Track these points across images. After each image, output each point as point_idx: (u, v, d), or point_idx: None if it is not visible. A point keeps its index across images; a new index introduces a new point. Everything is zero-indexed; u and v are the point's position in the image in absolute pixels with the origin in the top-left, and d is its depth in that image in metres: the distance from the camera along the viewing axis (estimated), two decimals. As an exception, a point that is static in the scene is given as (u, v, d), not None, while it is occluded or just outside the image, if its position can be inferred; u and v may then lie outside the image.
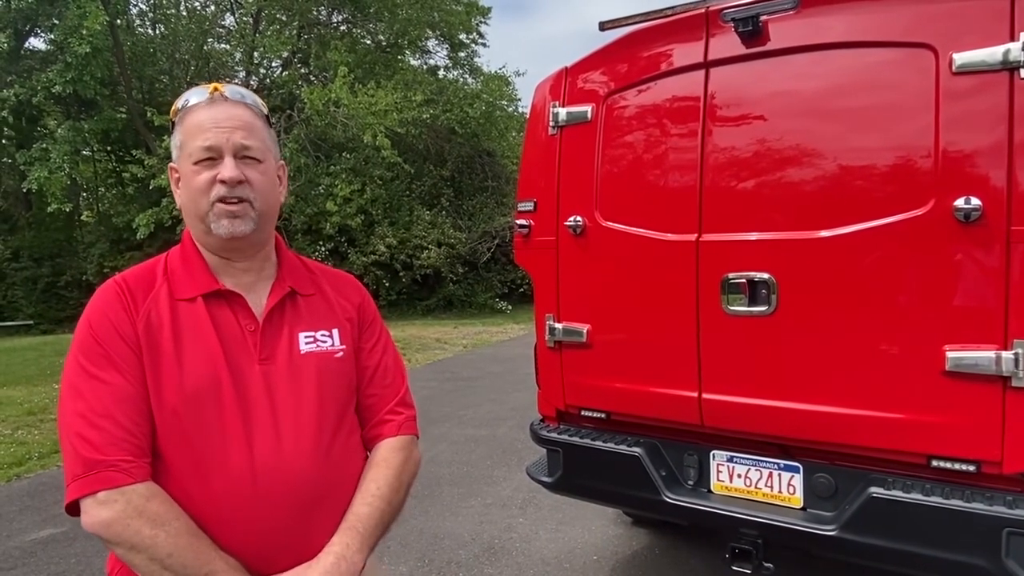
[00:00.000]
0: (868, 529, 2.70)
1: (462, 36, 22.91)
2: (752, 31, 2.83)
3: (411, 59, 22.62)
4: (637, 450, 3.20)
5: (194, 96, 1.40)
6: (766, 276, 2.82)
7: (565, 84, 3.38)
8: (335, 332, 1.51)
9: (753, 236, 2.85)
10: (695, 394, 3.03)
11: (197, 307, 1.38)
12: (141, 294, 1.36)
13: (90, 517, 1.24)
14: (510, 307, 20.08)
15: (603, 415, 3.36)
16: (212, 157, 1.36)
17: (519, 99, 22.01)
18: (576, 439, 3.37)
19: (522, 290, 20.91)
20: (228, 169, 1.35)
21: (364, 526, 1.42)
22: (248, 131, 1.39)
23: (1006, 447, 2.46)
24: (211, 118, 1.37)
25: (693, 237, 2.98)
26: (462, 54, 23.22)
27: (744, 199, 2.88)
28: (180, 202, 1.42)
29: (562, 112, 3.34)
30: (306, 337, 1.46)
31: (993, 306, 2.43)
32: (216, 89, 1.41)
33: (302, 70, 20.44)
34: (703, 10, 2.98)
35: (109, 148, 20.31)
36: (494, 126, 20.92)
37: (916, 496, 2.60)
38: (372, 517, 1.43)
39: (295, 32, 19.64)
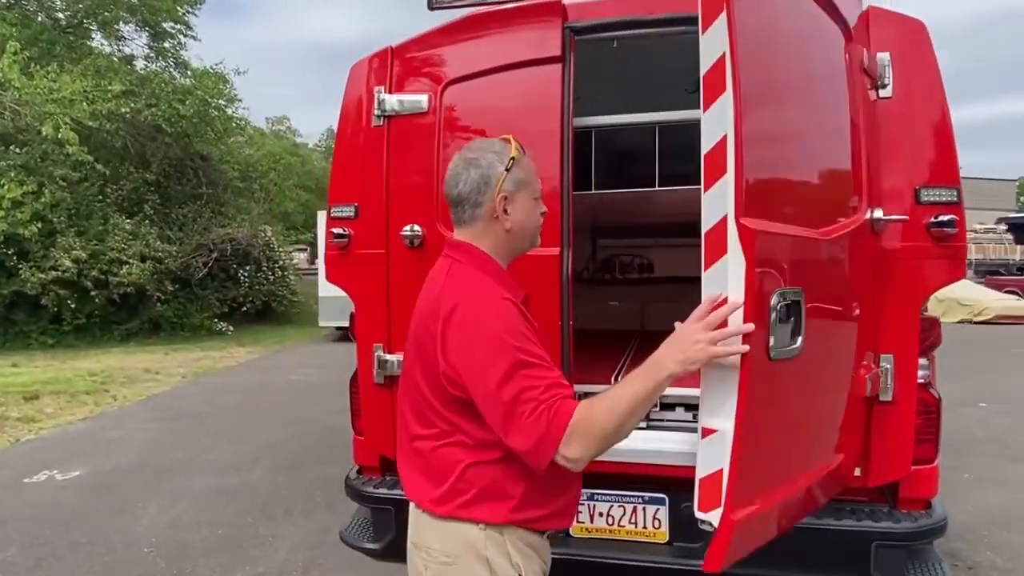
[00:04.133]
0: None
1: (167, 25, 20.28)
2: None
3: (104, 44, 19.46)
4: (490, 499, 2.74)
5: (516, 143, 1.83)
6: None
7: (392, 67, 2.83)
8: None
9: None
10: (559, 429, 2.67)
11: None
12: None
13: None
14: (231, 328, 18.09)
15: (445, 461, 2.84)
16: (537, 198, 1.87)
17: (240, 99, 20.10)
18: (413, 493, 2.80)
19: (244, 309, 19.05)
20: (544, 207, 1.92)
21: None
22: None
23: (871, 461, 2.49)
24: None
25: (557, 251, 2.63)
26: (167, 45, 20.55)
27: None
28: (515, 222, 1.80)
29: (391, 100, 2.78)
30: None
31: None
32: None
33: (-49, 42, 16.31)
34: (558, -3, 2.65)
35: None
36: (210, 127, 18.67)
37: (789, 518, 2.53)
38: None
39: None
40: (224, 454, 6.86)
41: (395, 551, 2.87)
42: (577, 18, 2.68)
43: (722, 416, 1.74)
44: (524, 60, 2.70)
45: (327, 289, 16.22)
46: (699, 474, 1.81)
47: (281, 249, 21.49)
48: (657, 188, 3.32)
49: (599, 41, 2.85)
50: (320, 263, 17.37)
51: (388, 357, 2.79)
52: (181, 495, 5.65)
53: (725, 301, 1.70)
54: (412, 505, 1.80)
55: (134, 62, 20.29)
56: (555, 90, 2.65)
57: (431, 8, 2.94)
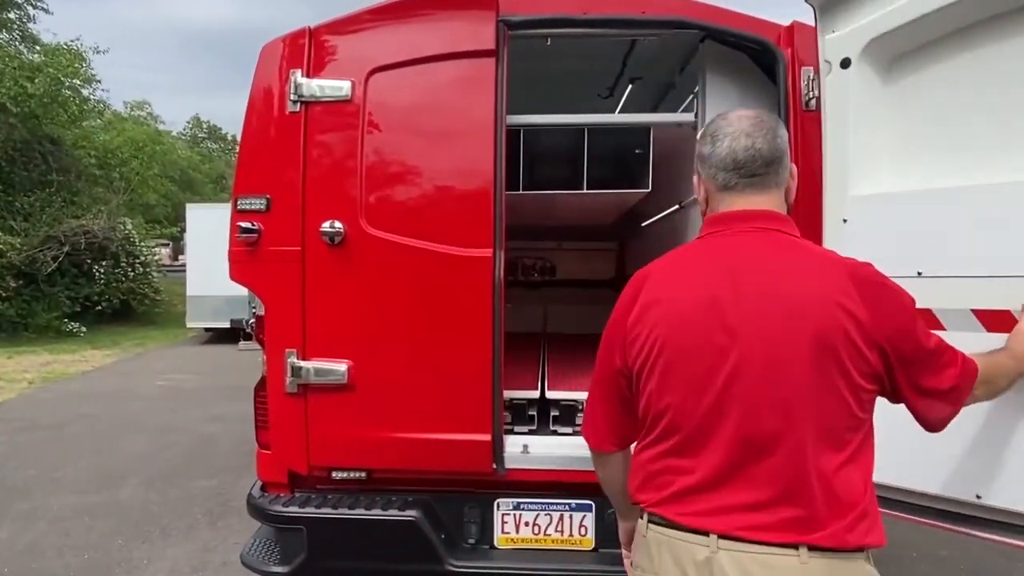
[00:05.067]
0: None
1: (13, -8, 18.27)
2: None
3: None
4: (413, 513, 2.61)
5: None
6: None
7: (310, 49, 2.61)
8: None
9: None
10: (488, 437, 2.57)
11: None
12: None
13: None
14: (84, 329, 16.52)
15: (363, 475, 2.66)
16: None
17: (98, 80, 18.40)
18: (328, 510, 2.60)
19: (100, 308, 17.48)
20: None
21: None
22: None
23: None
24: None
25: (489, 252, 2.52)
26: (12, 15, 18.49)
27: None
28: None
29: (310, 85, 2.57)
30: None
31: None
32: None
33: None
34: (494, -15, 2.56)
35: None
36: (63, 108, 16.96)
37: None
38: None
39: None
40: (86, 469, 6.18)
41: (305, 574, 2.66)
42: (510, 12, 2.60)
43: None
44: (456, 52, 2.58)
45: (196, 287, 15.19)
46: None
47: (143, 244, 19.94)
48: (574, 191, 3.28)
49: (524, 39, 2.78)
50: (188, 259, 16.22)
51: (303, 364, 2.57)
52: (38, 517, 5.02)
53: None
54: (765, 554, 1.38)
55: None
56: (488, 85, 2.55)
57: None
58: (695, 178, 1.62)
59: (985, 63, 2.02)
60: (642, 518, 1.56)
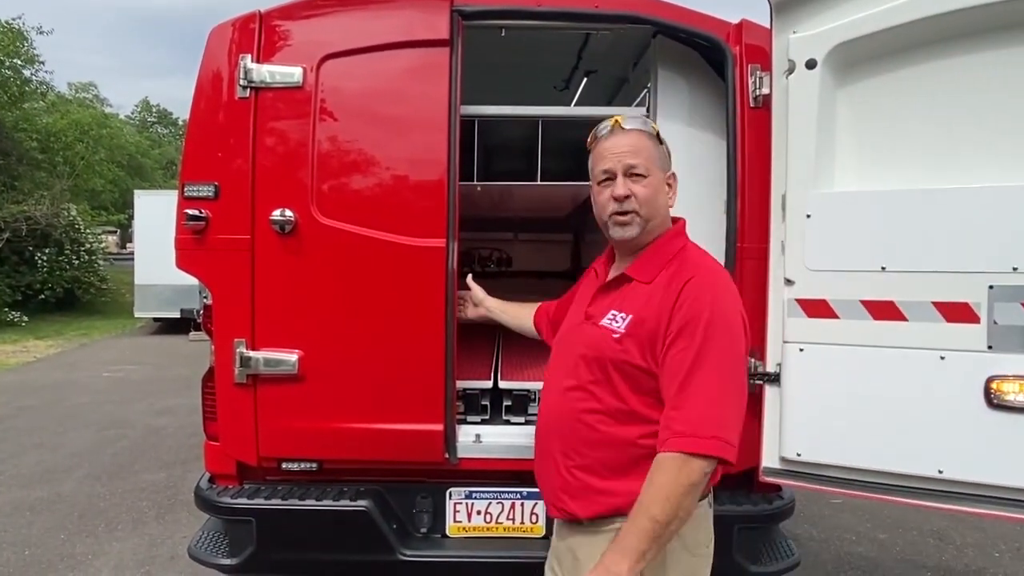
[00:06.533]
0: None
1: (-54, -35, 17.47)
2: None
3: None
4: (364, 503, 2.61)
5: (602, 129, 1.94)
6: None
7: (260, 34, 2.57)
8: (628, 318, 1.82)
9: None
10: (440, 427, 2.58)
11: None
12: None
13: None
14: (26, 319, 15.98)
15: (314, 465, 2.65)
16: (609, 178, 1.89)
17: (42, 61, 17.69)
18: (278, 502, 2.58)
19: (42, 297, 16.91)
20: (619, 187, 1.86)
21: (622, 540, 1.65)
22: (635, 153, 1.86)
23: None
24: (609, 147, 1.90)
25: (442, 242, 2.52)
26: (-54, -10, 17.72)
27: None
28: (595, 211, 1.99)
29: (260, 70, 2.52)
30: (610, 314, 1.85)
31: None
32: (616, 122, 1.92)
33: None
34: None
35: None
36: (3, 89, 16.29)
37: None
38: (630, 532, 1.64)
39: None
40: (27, 464, 6.00)
41: (256, 566, 2.64)
42: (464, 2, 2.59)
43: None
44: (409, 40, 2.56)
45: (144, 276, 14.78)
46: None
47: (88, 231, 19.34)
48: (528, 182, 3.30)
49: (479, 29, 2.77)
50: (136, 247, 15.77)
51: (252, 354, 2.53)
52: (-28, 513, 4.87)
53: None
54: None
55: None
56: (442, 74, 2.54)
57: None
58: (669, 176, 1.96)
59: (935, 77, 2.16)
60: (706, 497, 1.92)
